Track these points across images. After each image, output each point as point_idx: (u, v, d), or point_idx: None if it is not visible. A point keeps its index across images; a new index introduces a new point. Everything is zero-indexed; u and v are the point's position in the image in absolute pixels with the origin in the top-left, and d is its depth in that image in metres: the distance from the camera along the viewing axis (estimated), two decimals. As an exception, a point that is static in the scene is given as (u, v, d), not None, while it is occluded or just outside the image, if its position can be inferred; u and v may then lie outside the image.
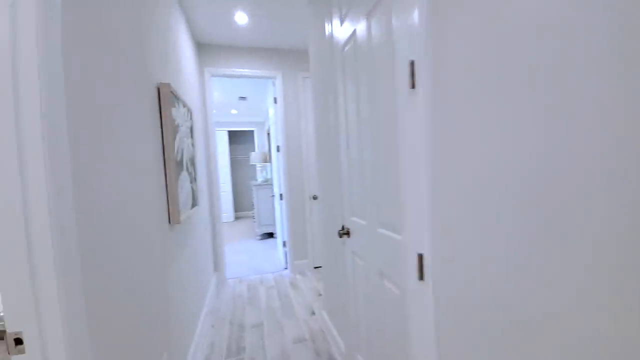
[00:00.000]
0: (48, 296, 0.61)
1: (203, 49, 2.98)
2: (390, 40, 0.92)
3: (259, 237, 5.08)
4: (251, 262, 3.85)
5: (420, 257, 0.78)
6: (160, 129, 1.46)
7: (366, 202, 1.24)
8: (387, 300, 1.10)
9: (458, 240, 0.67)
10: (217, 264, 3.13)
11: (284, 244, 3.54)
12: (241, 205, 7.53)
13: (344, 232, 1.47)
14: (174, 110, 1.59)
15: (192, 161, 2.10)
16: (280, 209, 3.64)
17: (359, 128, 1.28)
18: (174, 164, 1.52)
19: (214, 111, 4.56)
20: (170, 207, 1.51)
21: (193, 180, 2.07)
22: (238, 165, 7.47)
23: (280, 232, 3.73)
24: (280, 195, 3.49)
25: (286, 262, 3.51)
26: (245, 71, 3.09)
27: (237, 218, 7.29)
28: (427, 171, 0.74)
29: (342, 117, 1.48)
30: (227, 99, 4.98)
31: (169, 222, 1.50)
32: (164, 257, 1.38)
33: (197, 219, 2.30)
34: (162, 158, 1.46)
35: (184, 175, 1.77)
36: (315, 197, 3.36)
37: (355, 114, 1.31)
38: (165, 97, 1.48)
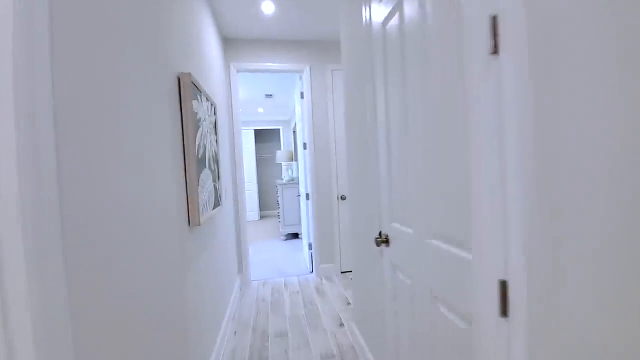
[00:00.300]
0: (20, 325, 0.48)
1: (229, 43, 2.89)
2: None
3: (283, 238, 4.97)
4: (275, 263, 3.73)
5: (504, 285, 0.57)
6: (180, 122, 1.34)
7: (413, 206, 1.03)
8: (442, 330, 0.89)
9: (568, 264, 0.45)
10: (241, 265, 3.04)
11: (310, 246, 3.38)
12: (266, 204, 7.52)
13: (382, 240, 1.27)
14: (195, 103, 1.47)
15: (216, 159, 1.99)
16: (306, 209, 3.48)
17: (404, 118, 1.07)
18: (194, 161, 1.40)
19: (240, 110, 4.51)
20: (189, 208, 1.39)
21: (216, 178, 1.96)
22: (264, 163, 7.45)
23: (306, 234, 3.57)
24: (307, 194, 3.33)
25: (311, 266, 3.34)
26: (272, 65, 2.96)
27: (262, 217, 7.28)
28: (518, 167, 0.53)
29: (381, 107, 1.28)
30: (253, 96, 4.92)
31: (189, 223, 1.38)
32: (182, 262, 1.26)
33: (220, 219, 2.20)
34: (181, 154, 1.34)
35: (206, 173, 1.65)
36: (343, 197, 3.16)
37: (399, 102, 1.11)
38: (186, 88, 1.36)
